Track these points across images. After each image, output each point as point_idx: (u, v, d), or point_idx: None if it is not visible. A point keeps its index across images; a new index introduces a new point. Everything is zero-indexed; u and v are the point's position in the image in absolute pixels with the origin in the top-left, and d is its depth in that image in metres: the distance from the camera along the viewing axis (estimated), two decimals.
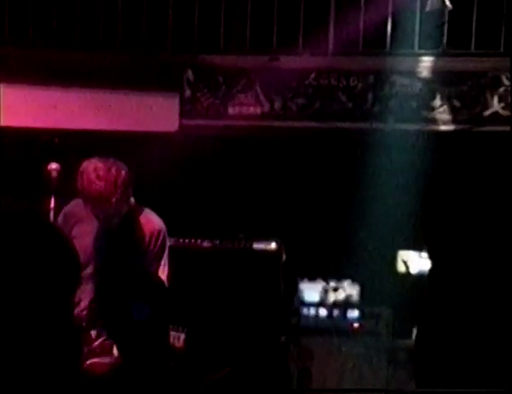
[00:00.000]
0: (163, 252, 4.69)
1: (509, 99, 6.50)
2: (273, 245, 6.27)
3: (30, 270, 1.84)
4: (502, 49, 6.35)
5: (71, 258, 1.93)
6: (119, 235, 4.43)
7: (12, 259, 1.85)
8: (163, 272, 4.65)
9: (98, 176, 4.36)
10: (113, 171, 4.34)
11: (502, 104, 6.54)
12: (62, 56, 6.67)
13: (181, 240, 6.02)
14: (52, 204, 5.29)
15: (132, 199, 4.47)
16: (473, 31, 6.41)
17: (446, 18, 6.39)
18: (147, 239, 4.58)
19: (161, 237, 4.60)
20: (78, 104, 6.69)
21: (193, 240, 6.14)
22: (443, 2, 6.10)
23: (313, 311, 6.61)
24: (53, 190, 5.45)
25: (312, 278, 6.60)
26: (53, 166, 5.93)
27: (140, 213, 4.57)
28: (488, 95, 6.57)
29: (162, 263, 4.69)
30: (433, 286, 2.78)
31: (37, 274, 1.84)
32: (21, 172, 6.61)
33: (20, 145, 7.30)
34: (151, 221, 4.53)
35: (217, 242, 6.16)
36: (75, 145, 6.66)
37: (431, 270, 2.86)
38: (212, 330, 6.07)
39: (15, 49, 6.52)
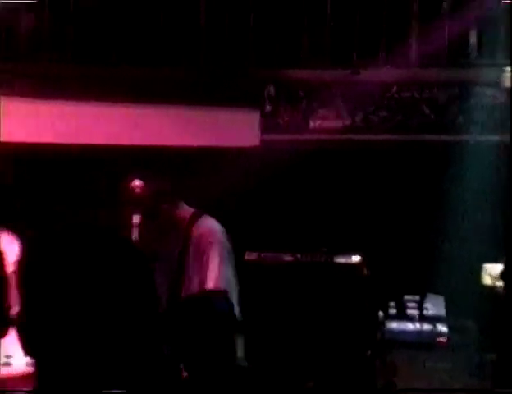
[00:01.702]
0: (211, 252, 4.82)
1: None
2: (355, 259, 6.35)
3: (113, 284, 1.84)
4: None
5: (145, 271, 2.02)
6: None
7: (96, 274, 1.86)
8: (215, 273, 4.79)
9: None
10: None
11: None
12: (144, 72, 6.95)
13: (263, 254, 6.17)
14: (138, 220, 5.56)
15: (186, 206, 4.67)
16: None
17: None
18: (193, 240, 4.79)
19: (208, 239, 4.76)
20: (160, 121, 7.00)
21: (274, 254, 6.31)
22: None
23: (398, 325, 6.68)
24: (137, 206, 5.75)
25: (396, 292, 6.67)
26: (137, 183, 6.21)
27: (195, 218, 4.77)
28: None
29: (215, 263, 4.82)
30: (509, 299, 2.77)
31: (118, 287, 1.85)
32: (105, 187, 6.96)
33: (102, 162, 7.80)
34: (204, 225, 4.70)
35: (299, 256, 6.31)
36: (156, 161, 6.99)
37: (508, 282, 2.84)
38: (295, 344, 6.19)
39: (91, 68, 6.87)
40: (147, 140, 7.01)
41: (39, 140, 8.04)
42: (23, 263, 1.86)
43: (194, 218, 4.81)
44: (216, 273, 4.77)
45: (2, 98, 7.14)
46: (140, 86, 6.83)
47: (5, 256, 4.50)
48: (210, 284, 4.72)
